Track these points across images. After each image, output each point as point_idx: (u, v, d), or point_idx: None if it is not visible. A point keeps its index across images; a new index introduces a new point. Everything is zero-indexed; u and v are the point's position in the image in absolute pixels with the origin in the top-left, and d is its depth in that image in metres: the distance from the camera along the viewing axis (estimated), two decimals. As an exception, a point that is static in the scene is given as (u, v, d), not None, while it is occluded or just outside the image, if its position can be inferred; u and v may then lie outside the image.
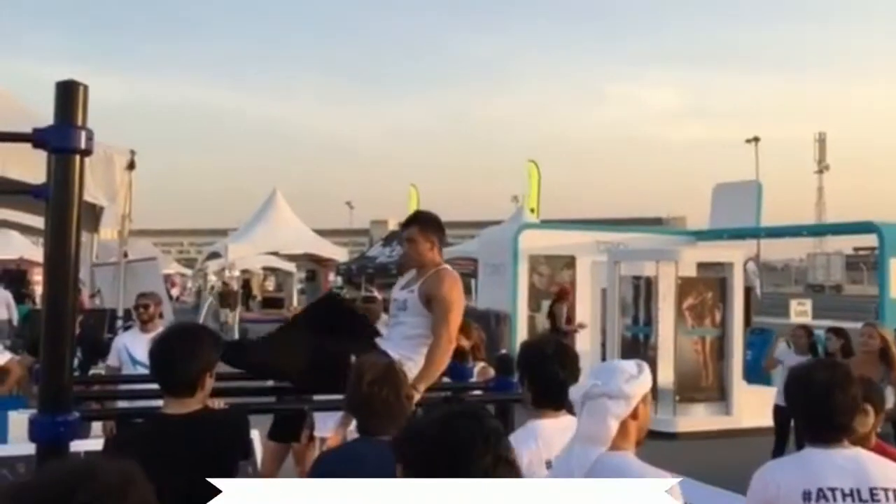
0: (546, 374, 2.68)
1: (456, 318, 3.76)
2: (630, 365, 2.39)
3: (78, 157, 2.60)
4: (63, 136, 2.57)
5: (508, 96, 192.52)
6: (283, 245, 25.09)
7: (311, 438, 5.81)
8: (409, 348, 3.74)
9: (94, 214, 7.97)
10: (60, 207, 2.60)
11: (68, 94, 2.62)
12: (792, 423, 5.30)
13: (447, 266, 3.93)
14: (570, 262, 13.86)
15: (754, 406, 9.53)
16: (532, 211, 23.20)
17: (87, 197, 6.40)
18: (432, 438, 1.72)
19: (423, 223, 3.94)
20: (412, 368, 3.61)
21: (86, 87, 2.65)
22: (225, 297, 23.81)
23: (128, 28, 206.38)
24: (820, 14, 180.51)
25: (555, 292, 13.15)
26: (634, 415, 2.33)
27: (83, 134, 2.59)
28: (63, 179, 2.58)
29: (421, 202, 40.39)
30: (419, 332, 3.77)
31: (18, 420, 5.50)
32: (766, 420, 8.13)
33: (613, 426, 2.27)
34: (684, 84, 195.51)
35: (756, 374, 10.69)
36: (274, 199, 25.86)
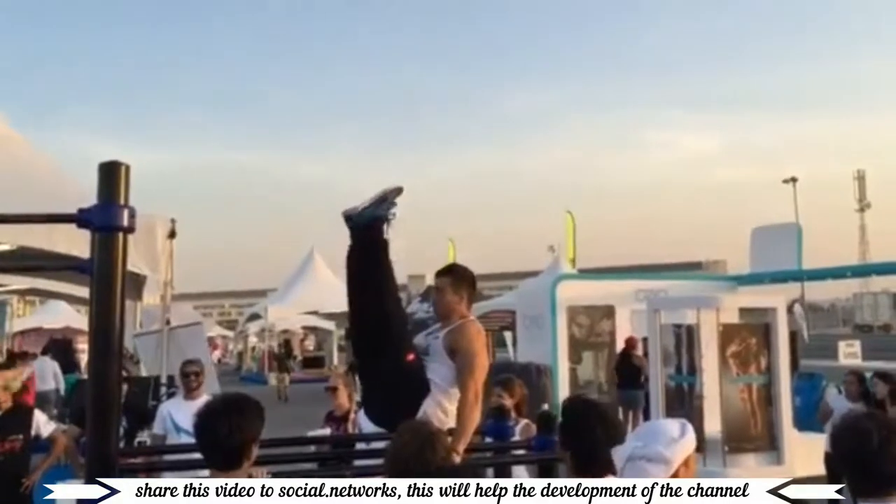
0: (592, 445, 2.62)
1: (481, 371, 3.74)
2: (673, 426, 2.35)
3: (121, 235, 2.68)
4: (106, 216, 2.65)
5: (543, 147, 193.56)
6: (322, 304, 25.30)
7: None
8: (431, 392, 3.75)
9: (136, 283, 8.12)
10: (104, 284, 2.67)
11: (111, 175, 2.71)
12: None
13: (473, 319, 3.94)
14: (608, 311, 13.75)
15: (806, 454, 9.25)
16: (570, 261, 23.11)
17: (130, 267, 6.54)
18: None
19: (456, 276, 3.98)
20: (429, 410, 3.67)
21: (127, 167, 2.74)
22: (281, 361, 23.78)
23: (164, 94, 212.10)
24: (853, 51, 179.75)
25: (625, 341, 13.07)
26: (675, 477, 2.28)
27: (125, 212, 2.67)
28: (107, 257, 2.66)
29: (458, 255, 40.56)
30: (439, 378, 3.78)
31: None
32: (819, 468, 7.89)
33: None
34: (718, 127, 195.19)
35: (806, 420, 10.44)
36: (311, 258, 26.14)
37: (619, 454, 2.35)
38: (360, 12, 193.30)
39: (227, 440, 2.63)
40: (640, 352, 12.81)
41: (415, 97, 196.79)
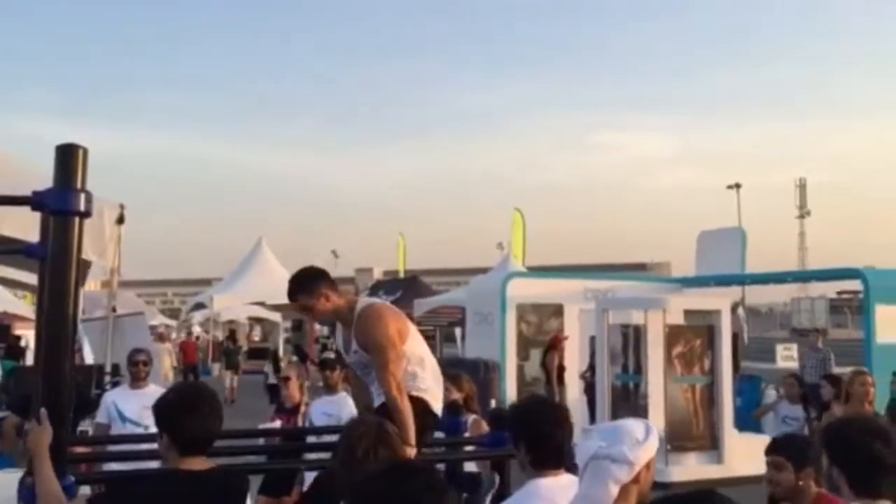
0: (545, 437, 2.65)
1: (396, 361, 3.57)
2: (638, 428, 2.36)
3: (77, 219, 2.62)
4: (62, 199, 2.58)
5: (494, 145, 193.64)
6: (268, 295, 24.95)
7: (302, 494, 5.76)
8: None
9: (82, 268, 7.93)
10: (58, 269, 2.60)
11: (68, 157, 2.64)
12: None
13: (363, 301, 3.75)
14: (557, 310, 13.89)
15: (746, 454, 9.49)
16: (515, 258, 23.25)
17: (77, 252, 6.38)
18: (379, 496, 1.77)
19: (304, 285, 3.68)
20: None
21: (85, 150, 2.68)
22: (230, 357, 22.80)
23: (112, 79, 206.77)
24: (798, 58, 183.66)
25: (547, 341, 13.18)
26: (636, 479, 2.30)
27: (82, 196, 2.61)
28: (62, 241, 2.59)
29: (408, 250, 40.54)
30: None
31: (6, 480, 5.40)
32: (758, 468, 7.98)
33: (614, 490, 2.25)
34: (665, 131, 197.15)
35: (746, 421, 10.69)
36: (259, 248, 25.83)
37: (581, 452, 2.35)
38: (318, 3, 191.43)
39: (209, 424, 2.63)
40: (565, 351, 13.03)
41: (368, 91, 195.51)
